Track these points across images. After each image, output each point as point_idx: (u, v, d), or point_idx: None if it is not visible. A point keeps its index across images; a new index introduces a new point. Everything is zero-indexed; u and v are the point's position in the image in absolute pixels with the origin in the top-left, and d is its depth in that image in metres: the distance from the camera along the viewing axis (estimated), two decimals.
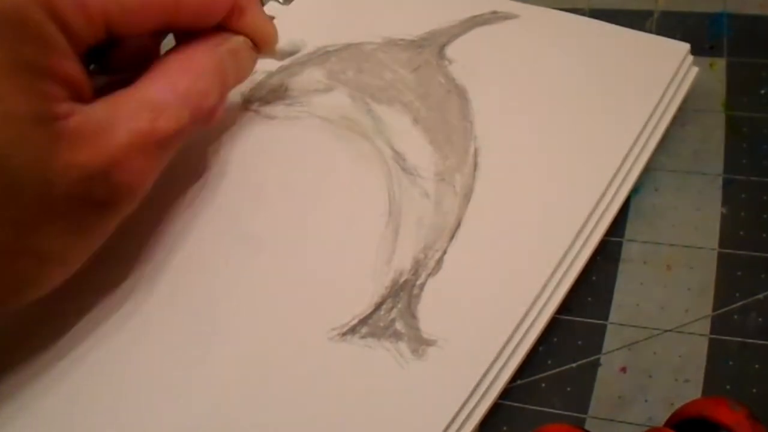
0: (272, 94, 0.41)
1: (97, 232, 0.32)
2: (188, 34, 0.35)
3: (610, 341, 0.34)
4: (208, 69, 0.34)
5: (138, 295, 0.35)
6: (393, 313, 0.33)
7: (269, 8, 0.46)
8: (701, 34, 0.43)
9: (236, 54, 0.36)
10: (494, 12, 0.43)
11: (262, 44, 0.37)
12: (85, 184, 0.29)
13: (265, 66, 0.42)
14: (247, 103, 0.41)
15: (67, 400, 0.33)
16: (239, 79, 0.37)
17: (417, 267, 0.34)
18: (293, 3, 0.46)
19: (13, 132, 0.27)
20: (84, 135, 0.29)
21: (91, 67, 0.34)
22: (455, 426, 0.30)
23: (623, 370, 0.33)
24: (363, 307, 0.33)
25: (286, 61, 0.42)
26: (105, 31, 0.31)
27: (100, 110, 0.30)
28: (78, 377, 0.33)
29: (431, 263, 0.34)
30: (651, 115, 0.38)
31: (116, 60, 0.35)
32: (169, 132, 0.32)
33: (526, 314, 0.33)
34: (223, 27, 0.36)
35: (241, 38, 0.36)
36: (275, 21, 0.44)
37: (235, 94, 0.42)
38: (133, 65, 0.34)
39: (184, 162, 0.39)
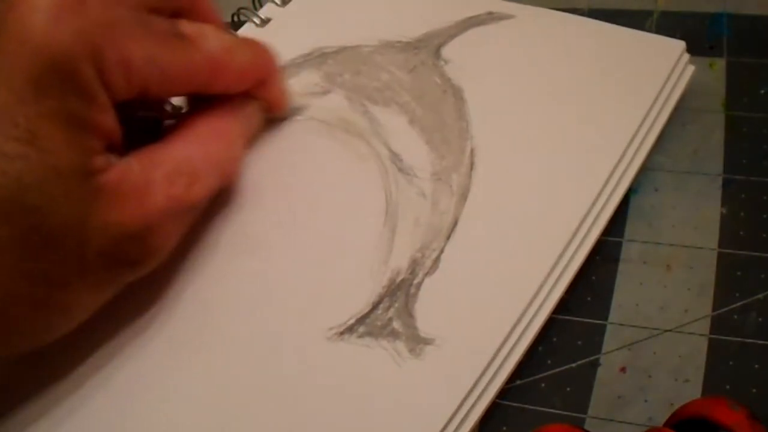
0: None
1: (118, 286, 0.32)
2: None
3: (609, 341, 0.34)
4: (236, 135, 0.35)
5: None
6: (390, 312, 0.33)
7: (267, 10, 0.46)
8: (701, 34, 0.43)
9: (252, 117, 0.37)
10: (490, 13, 0.43)
11: (276, 108, 0.39)
12: (120, 244, 0.29)
13: None
14: None
15: (66, 400, 0.33)
16: (251, 140, 0.38)
17: (414, 266, 0.34)
18: (290, 4, 0.46)
19: (59, 187, 0.27)
20: (122, 192, 0.29)
21: None
22: (453, 425, 0.30)
23: (623, 370, 0.33)
24: (360, 306, 0.33)
25: (283, 64, 0.42)
26: (140, 92, 0.31)
27: (136, 167, 0.30)
28: (76, 375, 0.33)
29: (428, 262, 0.34)
30: (647, 114, 0.38)
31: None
32: (201, 198, 0.32)
33: (523, 313, 0.32)
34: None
35: (257, 103, 0.37)
36: (272, 23, 0.45)
37: None
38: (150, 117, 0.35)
39: None
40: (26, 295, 0.28)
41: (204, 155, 0.33)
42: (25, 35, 0.27)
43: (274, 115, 0.39)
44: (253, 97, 0.37)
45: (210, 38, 0.33)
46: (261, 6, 0.46)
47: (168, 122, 0.36)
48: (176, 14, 0.34)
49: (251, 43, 0.36)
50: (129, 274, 0.31)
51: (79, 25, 0.27)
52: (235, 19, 0.46)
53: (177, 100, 0.37)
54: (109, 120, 0.29)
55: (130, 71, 0.29)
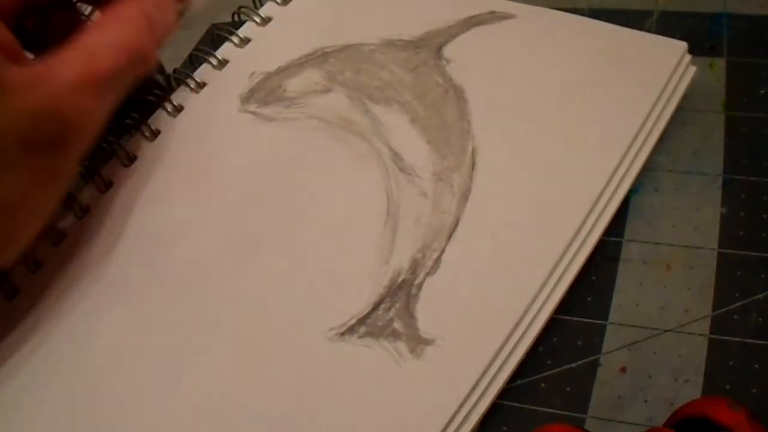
0: (270, 95, 0.41)
1: (56, 175, 0.33)
2: None
3: (609, 341, 0.34)
4: (133, 17, 0.36)
5: (137, 294, 0.35)
6: (391, 312, 0.33)
7: (268, 9, 0.46)
8: (701, 34, 0.43)
9: (160, 6, 0.38)
10: (492, 12, 0.43)
11: None
12: (37, 125, 0.31)
13: (263, 67, 0.42)
14: (246, 105, 0.41)
15: (65, 395, 0.33)
16: (167, 29, 0.39)
17: (415, 266, 0.34)
18: (291, 3, 0.46)
19: None
20: (28, 83, 0.31)
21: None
22: (454, 425, 0.30)
23: (623, 370, 0.33)
24: (361, 306, 0.33)
25: (284, 63, 0.42)
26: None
27: (39, 64, 0.32)
28: (74, 376, 0.33)
29: (429, 263, 0.34)
30: (649, 114, 0.38)
31: (47, 39, 0.36)
32: (107, 72, 0.34)
33: (524, 314, 0.32)
34: None
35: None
36: (273, 22, 0.45)
37: (233, 96, 0.42)
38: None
39: (183, 162, 0.39)
40: None
41: (100, 35, 0.35)
42: None
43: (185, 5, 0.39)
44: None
45: None
46: (261, 5, 0.46)
47: None
48: None
49: None
50: (57, 156, 0.32)
51: None
52: (236, 18, 0.46)
53: None
54: None
55: None
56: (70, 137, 0.33)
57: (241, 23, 0.46)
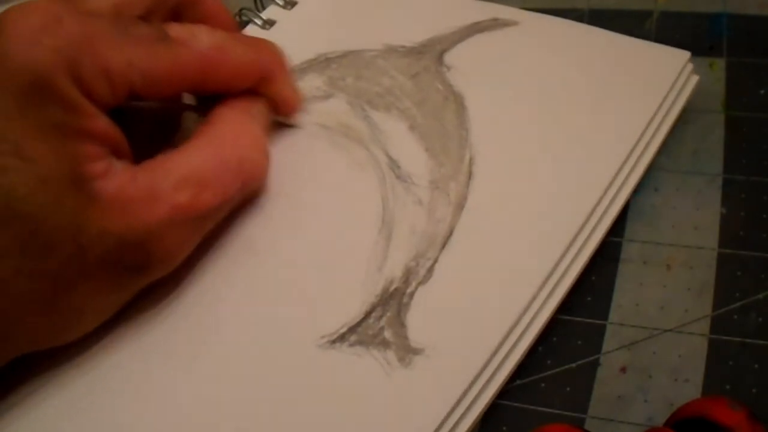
0: None
1: (132, 289, 0.32)
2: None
3: (609, 341, 0.34)
4: (256, 136, 0.35)
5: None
6: (382, 321, 0.33)
7: (271, 12, 0.46)
8: (701, 35, 0.43)
9: (263, 117, 0.37)
10: (494, 19, 0.43)
11: (284, 108, 0.38)
12: (120, 252, 0.30)
13: None
14: None
15: (60, 403, 0.32)
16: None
17: (408, 275, 0.34)
18: (295, 8, 0.46)
19: (49, 195, 0.28)
20: (120, 202, 0.30)
21: None
22: None
23: (623, 370, 0.33)
24: (353, 314, 0.33)
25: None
26: (129, 96, 0.31)
27: (141, 177, 0.31)
28: (68, 381, 0.33)
29: (422, 272, 0.34)
30: (648, 124, 0.37)
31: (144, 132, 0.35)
32: (212, 206, 0.33)
33: (515, 325, 0.32)
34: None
35: (263, 100, 0.37)
36: (277, 26, 0.45)
37: None
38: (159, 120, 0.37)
39: None
40: (34, 295, 0.29)
41: (219, 162, 0.33)
42: (6, 60, 0.28)
43: (283, 118, 0.39)
44: (260, 95, 0.37)
45: (199, 38, 0.33)
46: (264, 7, 0.46)
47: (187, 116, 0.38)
48: (178, 11, 0.35)
49: (253, 41, 0.37)
50: (138, 279, 0.32)
51: (55, 43, 0.29)
52: (238, 20, 0.46)
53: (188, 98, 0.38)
54: (100, 126, 0.30)
55: (111, 78, 0.30)
56: (153, 267, 0.32)
57: (243, 25, 0.46)
